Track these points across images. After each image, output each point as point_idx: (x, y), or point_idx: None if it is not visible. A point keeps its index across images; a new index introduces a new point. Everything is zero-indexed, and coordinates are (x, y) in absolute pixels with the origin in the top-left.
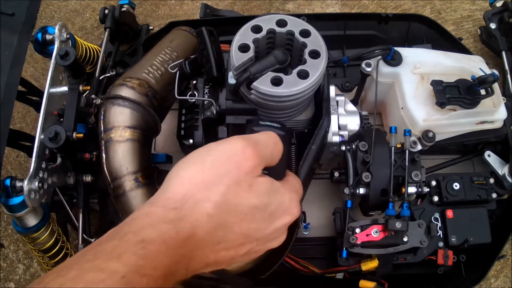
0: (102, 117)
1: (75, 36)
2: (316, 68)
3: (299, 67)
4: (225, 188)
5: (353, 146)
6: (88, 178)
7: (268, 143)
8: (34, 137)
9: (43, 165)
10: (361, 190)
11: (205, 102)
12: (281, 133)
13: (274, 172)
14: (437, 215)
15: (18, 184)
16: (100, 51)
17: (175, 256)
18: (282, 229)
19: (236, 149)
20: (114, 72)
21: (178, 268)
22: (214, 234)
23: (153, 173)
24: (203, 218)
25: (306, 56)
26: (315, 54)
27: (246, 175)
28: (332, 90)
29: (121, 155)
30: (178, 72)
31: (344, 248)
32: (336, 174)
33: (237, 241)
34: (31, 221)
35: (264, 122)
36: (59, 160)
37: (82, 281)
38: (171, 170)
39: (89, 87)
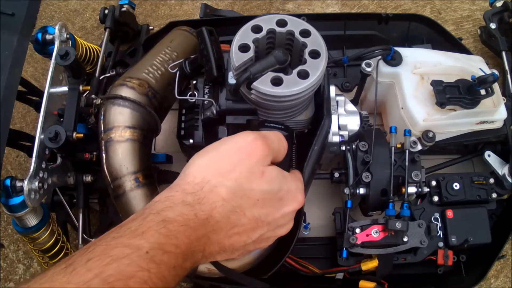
0: (102, 117)
1: (75, 36)
2: (316, 68)
3: (299, 67)
4: (238, 174)
5: (353, 146)
6: (88, 178)
7: (275, 139)
8: (34, 137)
9: (43, 165)
10: (361, 190)
11: (205, 102)
12: (285, 134)
13: (280, 166)
14: (437, 215)
15: (18, 184)
16: (100, 51)
17: (194, 237)
18: (290, 216)
19: (248, 140)
20: (114, 72)
21: (196, 248)
22: (228, 218)
23: (153, 173)
24: (218, 202)
25: (306, 56)
26: (315, 54)
27: (257, 163)
28: (332, 90)
29: (121, 155)
30: (178, 72)
31: (344, 248)
32: (336, 174)
33: (249, 225)
34: (31, 221)
35: (269, 124)
36: (59, 160)
37: (109, 255)
38: (189, 160)
39: (89, 87)
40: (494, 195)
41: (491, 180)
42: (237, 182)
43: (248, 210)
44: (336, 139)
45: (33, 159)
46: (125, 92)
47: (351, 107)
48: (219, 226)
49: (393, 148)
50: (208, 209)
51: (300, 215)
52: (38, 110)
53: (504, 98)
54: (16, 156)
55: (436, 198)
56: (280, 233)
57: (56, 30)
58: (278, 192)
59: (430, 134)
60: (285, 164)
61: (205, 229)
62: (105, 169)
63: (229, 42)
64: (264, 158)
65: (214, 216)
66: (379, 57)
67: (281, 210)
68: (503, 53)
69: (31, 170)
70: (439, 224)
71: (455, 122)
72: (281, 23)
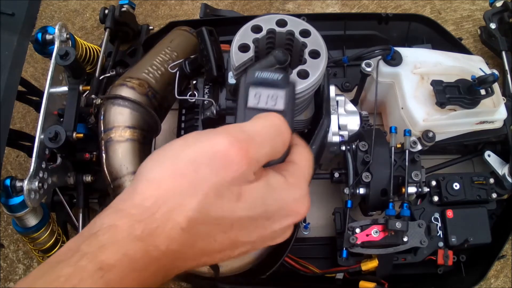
0: (102, 117)
1: (75, 36)
2: (316, 68)
3: (299, 67)
4: (202, 198)
5: (353, 146)
6: (88, 178)
7: (267, 135)
8: (34, 137)
9: (43, 165)
10: (361, 190)
11: (205, 102)
12: (282, 92)
13: (276, 161)
14: (437, 215)
15: (18, 184)
16: (100, 51)
17: (145, 276)
18: (284, 229)
19: (218, 149)
20: (114, 72)
21: (152, 282)
22: (192, 247)
23: None
24: (176, 233)
25: (306, 56)
26: (315, 54)
27: (230, 184)
28: (332, 90)
29: (121, 155)
30: (178, 72)
31: (344, 248)
32: (336, 174)
33: (223, 248)
34: (31, 221)
35: (261, 73)
36: (59, 160)
37: None
38: (140, 166)
39: (89, 87)
40: (494, 195)
41: (491, 180)
42: (202, 208)
43: (219, 236)
44: (336, 139)
45: (33, 159)
46: (125, 92)
47: (351, 107)
48: (180, 255)
49: (393, 148)
50: (162, 243)
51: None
52: (38, 110)
53: (504, 98)
54: (16, 156)
55: (436, 198)
56: (273, 243)
57: (56, 30)
58: (263, 214)
59: (430, 134)
60: (282, 157)
61: (161, 262)
62: (105, 169)
63: (229, 42)
64: (240, 175)
65: (172, 248)
66: (379, 57)
67: (270, 228)
68: (503, 53)
69: (31, 170)
70: (439, 224)
71: (455, 122)
72: (281, 23)
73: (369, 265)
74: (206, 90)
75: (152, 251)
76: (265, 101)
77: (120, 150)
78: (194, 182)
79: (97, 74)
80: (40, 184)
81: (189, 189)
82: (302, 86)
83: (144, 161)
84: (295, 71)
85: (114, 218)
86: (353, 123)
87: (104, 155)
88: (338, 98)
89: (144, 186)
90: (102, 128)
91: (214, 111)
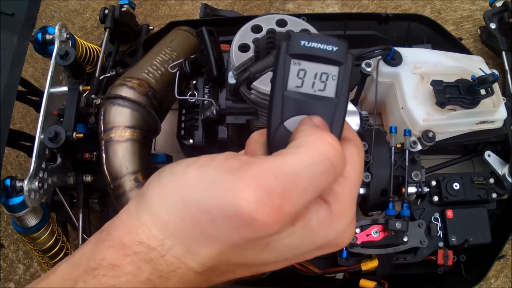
0: (102, 117)
1: (75, 36)
2: None
3: None
4: (219, 252)
5: None
6: (88, 178)
7: (313, 179)
8: (34, 137)
9: (43, 165)
10: (361, 190)
11: (205, 102)
12: (339, 65)
13: None
14: (437, 215)
15: (18, 184)
16: (100, 51)
17: None
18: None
19: (240, 211)
20: (114, 72)
21: None
22: (208, 283)
23: (153, 173)
24: (190, 277)
25: None
26: None
27: (256, 241)
28: None
29: (121, 155)
30: (178, 72)
31: (344, 248)
32: None
33: (245, 274)
34: (31, 221)
35: (311, 39)
36: (59, 160)
37: None
38: (145, 187)
39: (89, 87)
40: (494, 195)
41: (491, 180)
42: (219, 257)
43: (241, 271)
44: None
45: (33, 159)
46: (125, 92)
47: (351, 107)
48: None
49: (393, 148)
50: (175, 285)
51: None
52: (38, 110)
53: (504, 98)
54: (16, 156)
55: (436, 198)
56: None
57: (56, 30)
58: (295, 257)
59: (430, 134)
60: None
61: None
62: (105, 169)
63: (229, 42)
64: (270, 234)
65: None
66: (379, 57)
67: (299, 259)
68: (503, 53)
69: (31, 170)
70: (439, 224)
71: (455, 122)
72: (281, 23)
73: (369, 265)
74: (206, 90)
75: None
76: (311, 83)
77: (120, 150)
78: (209, 234)
79: (97, 74)
80: (40, 184)
81: (203, 239)
82: None
83: (149, 183)
84: None
85: (117, 256)
86: (353, 123)
87: (104, 155)
88: None
89: (150, 221)
90: (102, 128)
91: (214, 111)
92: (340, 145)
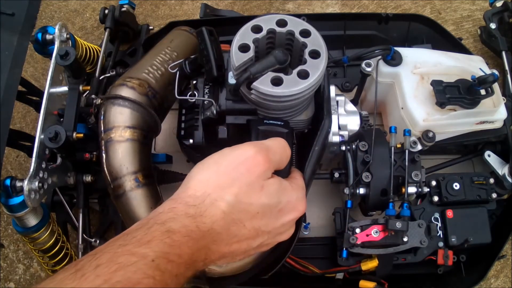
0: (102, 117)
1: (75, 36)
2: (316, 68)
3: (299, 67)
4: (238, 189)
5: (353, 146)
6: (88, 178)
7: (277, 149)
8: (34, 137)
9: (43, 165)
10: (361, 190)
11: (205, 102)
12: (285, 131)
13: (282, 173)
14: (437, 215)
15: (18, 184)
16: (100, 51)
17: (196, 247)
18: (290, 223)
19: (248, 155)
20: (114, 72)
21: (198, 258)
22: (228, 230)
23: (153, 173)
24: (218, 215)
25: (306, 56)
26: (315, 54)
27: (257, 178)
28: (332, 90)
29: (121, 155)
30: (178, 72)
31: (344, 248)
32: (336, 174)
33: (249, 235)
34: (31, 221)
35: (269, 121)
36: (59, 160)
37: (116, 262)
38: (190, 172)
39: (89, 87)
40: (494, 195)
41: (491, 180)
42: (237, 197)
43: (247, 222)
44: (336, 139)
45: (33, 159)
46: (125, 92)
47: (351, 107)
48: (219, 237)
49: (393, 148)
50: (209, 221)
51: (300, 219)
52: (38, 110)
53: (504, 98)
54: (16, 156)
55: (436, 198)
56: (281, 239)
57: (56, 30)
58: (277, 204)
59: (430, 134)
60: (286, 169)
61: (206, 240)
62: (105, 169)
63: (229, 42)
64: (264, 172)
65: (215, 228)
66: (379, 57)
67: (280, 219)
68: (503, 53)
69: (31, 170)
70: (439, 224)
71: (455, 122)
72: (281, 23)
73: (369, 265)
74: (206, 90)
75: (201, 227)
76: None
77: (120, 150)
78: (232, 177)
79: (97, 74)
80: (40, 184)
81: (229, 182)
82: (302, 86)
83: (192, 169)
84: (295, 71)
85: (174, 204)
86: (353, 123)
87: (104, 155)
88: (338, 98)
89: (195, 183)
90: (102, 128)
91: (214, 111)
92: (287, 145)
